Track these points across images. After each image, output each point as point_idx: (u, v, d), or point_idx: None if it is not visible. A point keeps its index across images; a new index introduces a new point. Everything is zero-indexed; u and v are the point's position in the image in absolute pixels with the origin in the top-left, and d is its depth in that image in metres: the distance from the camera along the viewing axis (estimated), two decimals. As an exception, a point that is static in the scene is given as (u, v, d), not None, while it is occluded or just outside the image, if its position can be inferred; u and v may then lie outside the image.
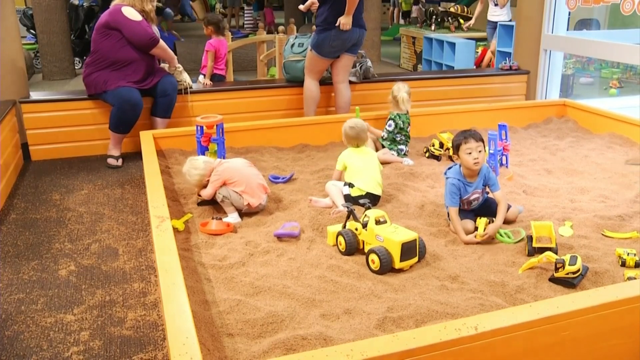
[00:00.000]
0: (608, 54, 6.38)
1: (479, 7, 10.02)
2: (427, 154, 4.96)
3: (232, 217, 3.67)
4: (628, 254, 3.07)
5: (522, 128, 5.87)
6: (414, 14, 15.17)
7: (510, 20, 8.93)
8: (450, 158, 4.69)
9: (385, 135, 4.87)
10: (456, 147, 3.49)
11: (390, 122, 4.89)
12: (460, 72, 6.99)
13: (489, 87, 6.74)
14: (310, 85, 5.63)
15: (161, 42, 5.14)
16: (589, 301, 2.29)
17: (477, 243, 3.32)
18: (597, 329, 2.31)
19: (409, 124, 4.93)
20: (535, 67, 6.87)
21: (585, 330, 2.28)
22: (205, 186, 3.82)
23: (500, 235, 3.40)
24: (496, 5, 9.13)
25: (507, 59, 7.22)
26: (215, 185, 3.71)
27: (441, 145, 4.91)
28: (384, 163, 4.65)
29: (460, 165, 3.51)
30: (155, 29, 5.28)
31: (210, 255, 3.21)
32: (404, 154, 4.89)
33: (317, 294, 2.80)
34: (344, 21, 5.23)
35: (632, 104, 6.62)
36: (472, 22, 10.33)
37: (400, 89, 4.92)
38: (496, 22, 9.14)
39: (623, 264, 3.06)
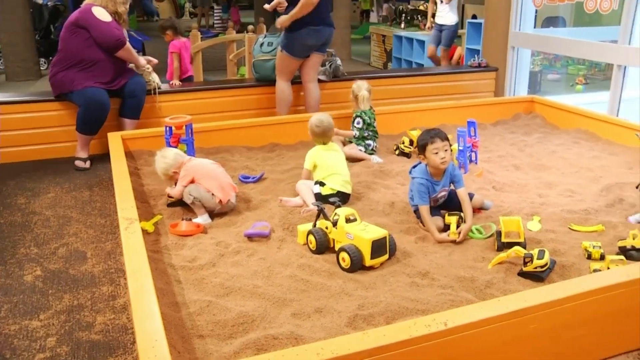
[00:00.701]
0: (573, 51, 6.48)
1: (431, 6, 9.29)
2: (397, 152, 4.99)
3: (202, 218, 3.64)
4: (594, 247, 3.13)
5: (491, 124, 5.93)
6: (384, 12, 15.24)
7: (455, 23, 8.49)
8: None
9: (357, 134, 4.89)
10: (422, 148, 3.49)
11: (358, 119, 4.91)
12: (430, 70, 7.05)
13: (458, 85, 6.80)
14: (283, 86, 5.61)
15: (127, 44, 5.08)
16: (555, 294, 2.32)
17: (452, 241, 3.33)
18: (563, 321, 2.34)
19: (374, 119, 4.96)
20: (504, 64, 6.96)
21: (553, 322, 2.31)
22: (171, 178, 3.80)
23: (472, 232, 3.43)
24: (442, 2, 8.56)
25: (475, 56, 7.30)
26: (184, 181, 3.69)
27: (411, 142, 4.94)
28: (352, 159, 4.68)
29: (426, 165, 3.52)
30: (125, 33, 5.22)
31: (180, 257, 3.19)
32: (372, 150, 4.91)
33: (288, 293, 2.79)
34: (281, 21, 5.26)
35: (597, 100, 6.73)
36: (428, 24, 9.64)
37: (361, 88, 4.95)
38: (441, 25, 8.59)
39: (589, 257, 3.11)
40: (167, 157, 3.81)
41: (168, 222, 3.65)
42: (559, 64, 9.59)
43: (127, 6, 5.18)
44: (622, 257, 3.03)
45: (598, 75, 9.17)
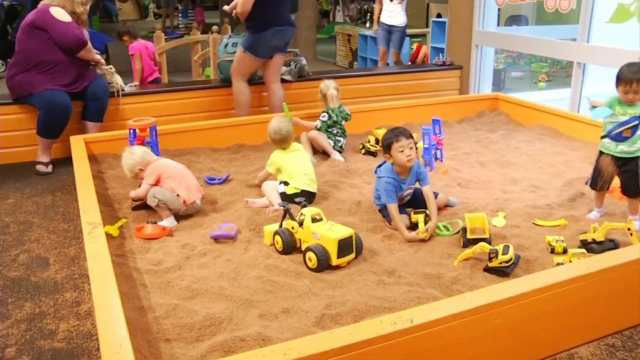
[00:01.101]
0: (535, 49, 6.59)
1: (377, 7, 8.73)
2: (362, 151, 5.01)
3: (168, 221, 3.61)
4: (557, 241, 3.18)
5: (456, 122, 6.00)
6: (349, 12, 15.29)
7: (405, 25, 8.22)
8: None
9: (319, 125, 4.89)
10: (387, 147, 3.51)
11: (324, 113, 4.93)
12: (395, 69, 7.09)
13: (424, 83, 6.86)
14: (242, 87, 5.55)
15: (89, 45, 5.00)
16: (519, 289, 2.35)
17: (421, 240, 3.34)
18: (528, 314, 2.38)
19: (342, 118, 4.98)
20: (468, 62, 7.05)
21: (517, 316, 2.35)
22: (137, 176, 3.77)
23: (439, 229, 3.47)
24: (392, 1, 8.07)
25: (440, 54, 7.36)
26: (150, 180, 3.65)
27: (377, 141, 4.97)
28: (317, 146, 4.77)
29: (392, 164, 3.54)
30: (85, 33, 5.14)
31: (146, 260, 3.15)
32: (341, 147, 4.93)
33: (255, 294, 2.79)
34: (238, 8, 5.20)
35: (559, 97, 6.85)
36: (375, 27, 8.97)
37: (329, 87, 4.98)
38: (390, 26, 8.17)
39: (552, 251, 3.17)
40: (135, 154, 3.77)
41: (133, 225, 3.61)
42: (523, 61, 9.72)
43: (87, 7, 5.08)
44: (583, 250, 3.08)
45: (560, 72, 9.32)
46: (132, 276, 2.96)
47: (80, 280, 3.18)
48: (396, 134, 3.49)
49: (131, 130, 4.47)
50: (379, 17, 8.46)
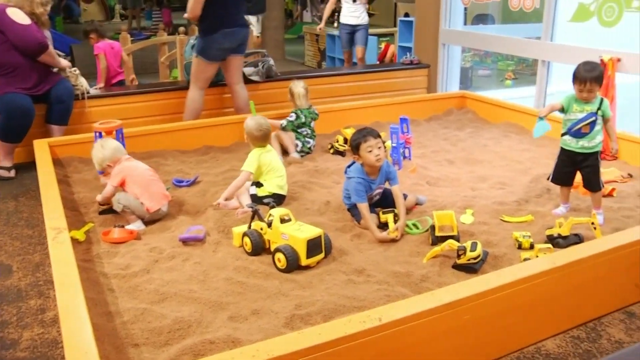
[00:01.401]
0: (500, 48, 6.68)
1: (329, 7, 8.52)
2: (331, 150, 5.02)
3: (135, 225, 3.57)
4: (524, 237, 3.23)
5: (424, 120, 6.04)
6: (319, 12, 15.28)
7: (367, 23, 7.98)
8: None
9: (285, 124, 4.87)
10: (356, 147, 3.51)
11: (293, 113, 4.93)
12: (363, 68, 7.11)
13: (392, 82, 6.90)
14: (195, 95, 5.45)
15: (50, 48, 4.89)
16: (487, 285, 2.39)
17: (391, 240, 3.34)
18: (496, 310, 2.41)
19: (312, 119, 4.98)
20: (435, 61, 7.11)
21: (485, 312, 2.38)
22: (105, 171, 3.75)
23: (409, 227, 3.48)
24: (355, 1, 7.76)
25: (408, 54, 7.41)
26: (115, 181, 3.62)
27: (345, 141, 4.98)
28: (280, 143, 4.77)
29: (361, 164, 3.54)
30: (47, 34, 5.04)
31: (113, 265, 3.11)
32: (310, 148, 4.93)
33: (224, 296, 2.77)
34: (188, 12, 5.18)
35: (525, 94, 6.94)
36: (322, 24, 8.83)
37: (297, 85, 4.99)
38: (355, 26, 7.90)
39: (520, 247, 3.21)
40: (106, 148, 3.73)
41: (100, 230, 3.56)
42: (489, 60, 9.83)
43: (48, 7, 4.96)
44: (549, 245, 3.14)
45: (526, 70, 9.43)
46: (99, 281, 2.93)
47: (46, 286, 3.12)
48: (364, 134, 3.50)
49: (97, 133, 4.41)
50: (329, 16, 8.39)
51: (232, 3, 5.20)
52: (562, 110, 3.56)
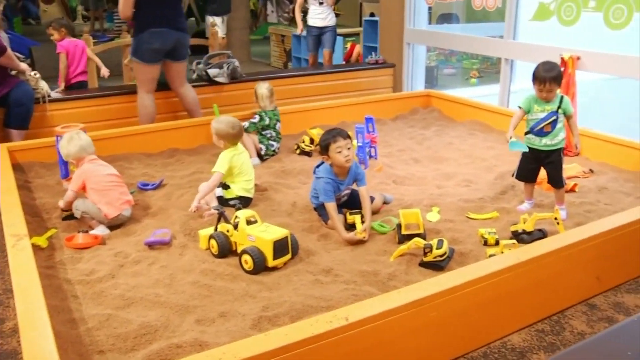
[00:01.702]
0: (464, 46, 6.76)
1: (297, 10, 8.28)
2: (297, 151, 5.01)
3: (100, 229, 3.52)
4: (489, 233, 3.28)
5: (390, 120, 6.08)
6: (286, 12, 15.26)
7: (335, 25, 7.80)
8: (321, 153, 4.78)
9: (247, 126, 4.84)
10: (325, 148, 3.51)
11: (256, 115, 4.92)
12: (329, 68, 7.12)
13: (358, 82, 6.92)
14: (144, 99, 5.37)
15: (8, 50, 4.79)
16: (453, 281, 2.41)
17: (359, 241, 3.33)
18: (462, 306, 2.44)
19: (277, 121, 4.97)
20: (400, 60, 7.15)
21: (452, 308, 2.40)
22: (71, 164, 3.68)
23: (381, 225, 3.50)
24: (321, 4, 7.55)
25: (373, 53, 7.44)
26: (74, 186, 3.56)
27: (311, 141, 4.99)
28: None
29: (330, 165, 3.54)
30: (4, 36, 4.94)
31: (77, 271, 3.07)
32: (274, 151, 4.93)
33: (191, 299, 2.75)
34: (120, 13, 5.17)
35: (490, 92, 7.03)
36: (300, 28, 8.46)
37: (261, 87, 4.97)
38: (322, 28, 7.70)
39: (485, 243, 3.26)
40: (72, 144, 3.65)
41: (63, 235, 3.50)
42: (454, 59, 9.95)
43: (0, 7, 4.85)
44: (514, 241, 3.18)
45: (491, 69, 9.58)
46: (63, 288, 2.88)
47: (5, 295, 3.05)
48: (333, 134, 3.50)
49: (59, 138, 4.33)
50: (302, 17, 8.18)
51: (162, 4, 5.12)
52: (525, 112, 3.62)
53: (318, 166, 3.62)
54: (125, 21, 5.18)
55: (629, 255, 3.07)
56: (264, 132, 4.92)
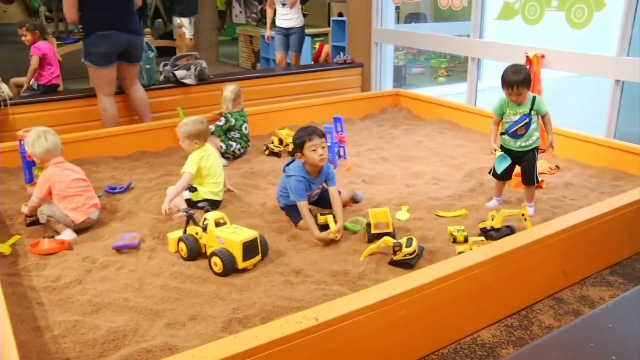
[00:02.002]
0: (431, 45, 6.82)
1: (269, 12, 8.17)
2: (266, 152, 5.00)
3: (66, 234, 3.47)
4: (458, 231, 3.31)
5: (359, 119, 6.11)
6: (254, 13, 15.22)
7: (303, 26, 7.74)
8: (290, 154, 4.79)
9: (213, 129, 4.83)
10: (300, 145, 3.46)
11: (222, 118, 4.90)
12: (298, 69, 7.12)
13: (326, 82, 6.94)
14: (105, 104, 5.28)
15: None
16: (422, 279, 2.43)
17: (331, 241, 3.32)
18: (432, 303, 2.45)
19: (243, 122, 4.96)
20: (369, 60, 7.19)
21: (422, 306, 2.42)
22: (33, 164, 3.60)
23: (351, 225, 3.51)
24: (284, 5, 7.55)
25: (341, 53, 7.47)
26: (39, 193, 3.49)
27: (280, 141, 4.98)
28: None
29: (303, 163, 3.51)
30: None
31: (43, 277, 3.02)
32: (233, 151, 4.90)
33: (161, 303, 2.73)
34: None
35: (458, 91, 7.11)
36: (267, 32, 8.58)
37: (226, 89, 4.96)
38: (288, 29, 7.63)
39: (454, 241, 3.29)
40: (38, 145, 3.55)
41: (28, 241, 3.43)
42: (422, 58, 10.02)
43: None
44: (482, 238, 3.22)
45: (458, 67, 9.67)
46: (27, 295, 2.83)
47: (-30, 303, 2.99)
48: (309, 132, 3.47)
49: (21, 142, 4.26)
50: (273, 21, 8.10)
51: (109, 5, 5.05)
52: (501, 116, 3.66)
53: (288, 164, 3.60)
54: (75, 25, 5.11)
55: (594, 249, 3.13)
56: (229, 134, 4.90)
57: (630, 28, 4.62)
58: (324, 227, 3.41)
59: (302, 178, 3.47)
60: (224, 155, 4.83)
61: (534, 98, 3.59)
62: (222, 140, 4.87)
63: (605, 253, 3.23)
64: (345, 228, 3.46)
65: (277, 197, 3.69)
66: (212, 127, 4.81)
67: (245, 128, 4.98)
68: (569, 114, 6.55)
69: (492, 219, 3.38)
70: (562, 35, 5.26)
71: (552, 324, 2.70)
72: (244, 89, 5.14)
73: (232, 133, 4.91)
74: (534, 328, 2.67)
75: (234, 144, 4.91)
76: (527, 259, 2.78)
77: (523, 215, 3.34)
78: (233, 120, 4.88)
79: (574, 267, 3.04)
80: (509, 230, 3.33)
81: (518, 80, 3.49)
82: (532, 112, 3.57)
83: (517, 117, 3.58)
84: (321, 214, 3.50)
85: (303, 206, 3.43)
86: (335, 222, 3.41)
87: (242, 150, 4.95)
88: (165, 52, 7.86)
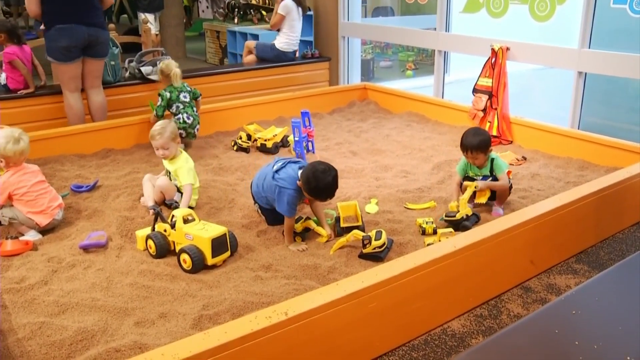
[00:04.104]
0: (398, 39, 6.86)
1: None
2: (235, 147, 4.96)
3: (31, 234, 3.41)
4: (427, 223, 3.34)
5: (327, 113, 6.12)
6: (220, 8, 15.10)
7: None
8: (259, 149, 4.78)
9: (155, 112, 4.82)
10: (315, 195, 3.20)
11: (159, 97, 4.86)
12: (265, 64, 7.08)
13: (294, 76, 6.92)
14: (69, 100, 5.16)
15: None
16: (391, 271, 2.44)
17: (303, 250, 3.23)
18: (401, 295, 2.47)
19: (180, 91, 4.88)
20: (336, 53, 7.19)
21: (392, 298, 2.44)
22: None
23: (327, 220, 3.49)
24: None
25: (308, 47, 7.46)
26: (0, 198, 3.41)
27: (249, 137, 4.96)
28: None
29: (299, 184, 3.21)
30: None
31: (6, 279, 2.95)
32: (185, 122, 4.82)
33: (130, 302, 2.70)
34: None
35: (426, 84, 7.16)
36: None
37: (171, 66, 4.92)
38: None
39: (423, 233, 3.32)
40: (8, 149, 3.38)
41: (-9, 244, 3.37)
42: (390, 51, 10.06)
43: None
44: (451, 229, 3.25)
45: (426, 60, 9.73)
46: (-9, 297, 2.78)
47: None
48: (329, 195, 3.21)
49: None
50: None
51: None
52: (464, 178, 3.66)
53: (278, 171, 3.30)
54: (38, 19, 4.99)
55: (561, 238, 3.18)
56: (171, 109, 4.85)
57: (590, 21, 4.70)
58: (299, 234, 3.35)
59: (294, 191, 3.20)
60: (181, 135, 4.75)
61: (492, 160, 3.61)
62: (175, 121, 4.73)
63: (571, 242, 3.28)
64: (315, 223, 3.44)
65: (257, 196, 3.49)
66: (155, 111, 4.82)
67: (185, 96, 4.90)
68: (535, 106, 6.66)
69: (457, 210, 3.40)
70: (527, 28, 5.33)
71: (520, 313, 2.74)
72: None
73: (173, 108, 4.85)
74: (502, 317, 2.71)
75: (180, 115, 4.84)
76: (495, 250, 2.81)
77: (476, 187, 3.42)
78: (167, 94, 4.83)
79: (541, 256, 3.09)
80: (476, 218, 3.41)
81: (473, 145, 3.51)
82: (494, 174, 3.60)
83: (480, 178, 3.63)
84: (297, 221, 3.37)
85: (292, 224, 3.24)
86: (307, 229, 3.38)
87: (191, 119, 4.86)
88: (131, 48, 7.74)
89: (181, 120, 4.81)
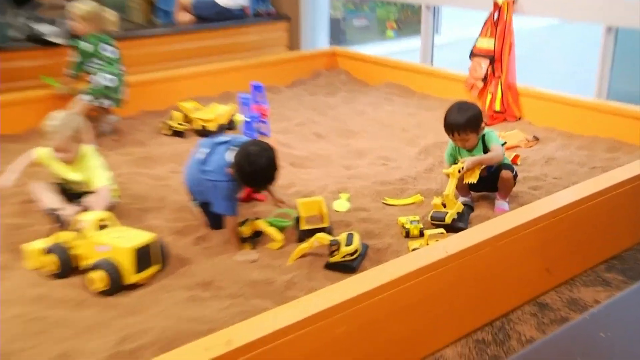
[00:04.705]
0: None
1: None
2: (169, 131, 4.88)
3: None
4: (411, 223, 3.31)
5: (287, 87, 6.13)
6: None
7: None
8: (198, 133, 4.70)
9: (73, 73, 4.77)
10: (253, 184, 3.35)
11: (74, 52, 4.77)
12: (206, 24, 6.99)
13: (243, 40, 6.84)
14: None
15: None
16: (367, 285, 2.38)
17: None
18: (378, 316, 2.42)
19: (98, 42, 4.79)
20: (297, 11, 7.14)
21: (366, 320, 2.38)
22: None
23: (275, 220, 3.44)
24: None
25: (261, 3, 7.38)
26: None
27: (185, 118, 4.89)
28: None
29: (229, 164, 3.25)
30: None
31: None
32: (107, 87, 4.72)
33: (16, 340, 2.58)
34: None
35: (411, 47, 7.17)
36: None
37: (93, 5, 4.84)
38: None
39: (407, 235, 3.29)
40: None
41: None
42: (367, 7, 10.08)
43: None
44: (442, 230, 3.22)
45: (412, 18, 9.78)
46: None
47: None
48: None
49: None
50: None
51: None
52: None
53: (205, 161, 3.33)
54: None
55: (585, 239, 3.17)
56: (85, 67, 4.75)
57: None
58: (246, 239, 3.32)
59: (231, 183, 3.23)
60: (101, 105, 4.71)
61: (483, 137, 3.55)
62: (89, 93, 4.66)
63: (599, 244, 3.28)
64: (270, 224, 3.36)
65: (191, 190, 3.46)
66: (70, 71, 4.78)
67: (104, 50, 4.79)
68: (549, 73, 6.69)
69: (444, 206, 3.38)
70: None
71: (534, 336, 2.72)
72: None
73: (90, 66, 4.74)
74: (512, 342, 2.68)
75: (101, 77, 4.72)
76: (500, 255, 2.78)
77: (459, 170, 3.38)
78: (89, 46, 4.72)
79: (560, 263, 3.07)
80: (470, 210, 3.44)
81: (459, 124, 3.45)
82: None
83: None
84: (241, 223, 3.34)
85: (234, 223, 3.25)
86: (256, 233, 3.33)
87: (117, 81, 4.78)
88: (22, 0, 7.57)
89: (104, 85, 4.70)
